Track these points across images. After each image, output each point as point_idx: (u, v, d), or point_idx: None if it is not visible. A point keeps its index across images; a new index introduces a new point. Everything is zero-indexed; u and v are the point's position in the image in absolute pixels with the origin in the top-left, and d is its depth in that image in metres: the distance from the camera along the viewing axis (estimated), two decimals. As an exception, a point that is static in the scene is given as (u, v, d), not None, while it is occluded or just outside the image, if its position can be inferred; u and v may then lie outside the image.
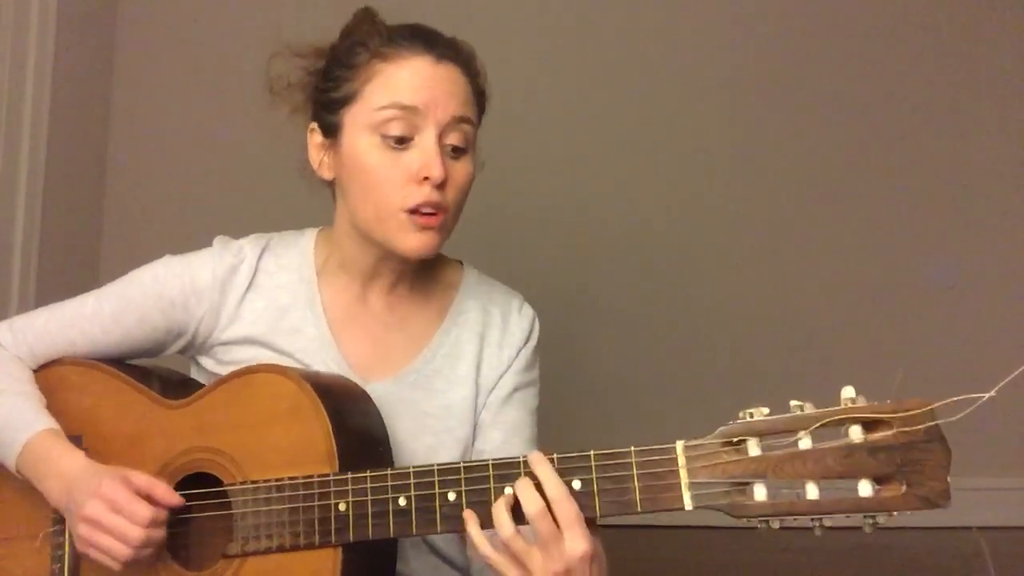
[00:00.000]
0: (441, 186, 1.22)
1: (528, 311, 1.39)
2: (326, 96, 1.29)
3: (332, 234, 1.36)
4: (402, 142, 1.22)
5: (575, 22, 2.94)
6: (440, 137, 1.23)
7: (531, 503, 1.02)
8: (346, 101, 1.26)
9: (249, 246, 1.36)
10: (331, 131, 1.28)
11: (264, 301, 1.34)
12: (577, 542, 1.01)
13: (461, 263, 1.43)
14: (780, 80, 2.92)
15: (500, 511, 1.04)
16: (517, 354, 1.36)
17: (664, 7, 2.93)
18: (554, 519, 1.02)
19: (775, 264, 2.92)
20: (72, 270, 2.60)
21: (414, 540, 1.30)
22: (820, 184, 2.93)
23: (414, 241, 1.23)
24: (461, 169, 1.25)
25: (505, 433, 1.33)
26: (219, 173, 2.75)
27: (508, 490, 1.06)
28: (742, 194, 2.92)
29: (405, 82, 1.23)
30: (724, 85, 2.92)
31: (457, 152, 1.25)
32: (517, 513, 1.05)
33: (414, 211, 1.22)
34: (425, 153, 1.21)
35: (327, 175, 1.31)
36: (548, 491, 1.02)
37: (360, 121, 1.24)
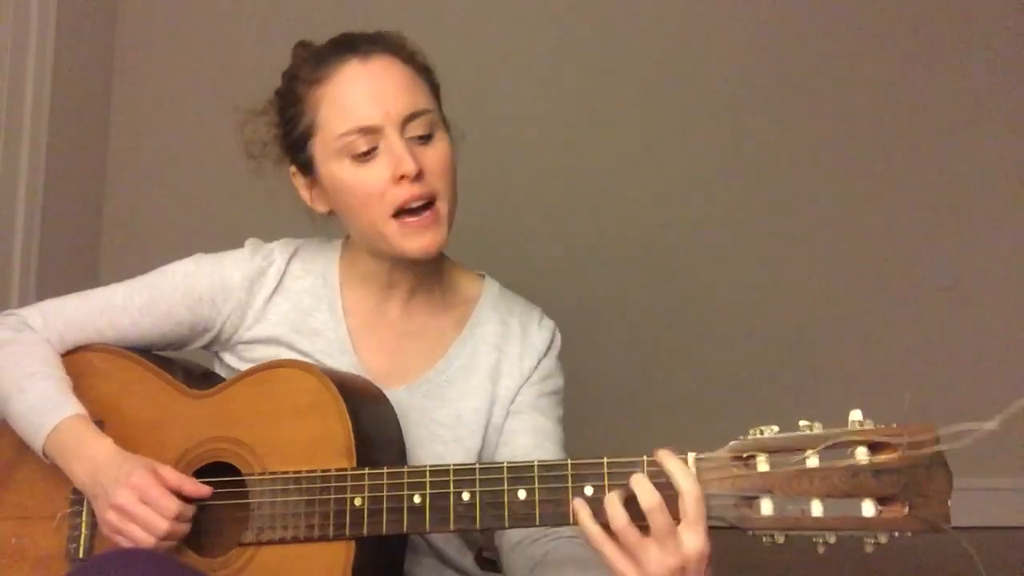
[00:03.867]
0: (420, 177, 1.24)
1: (548, 323, 1.41)
2: (289, 139, 1.33)
3: (351, 245, 1.40)
4: (368, 154, 1.25)
5: (576, 24, 2.99)
6: (402, 134, 1.25)
7: (649, 497, 1.02)
8: (307, 136, 1.30)
9: (279, 250, 1.40)
10: (307, 168, 1.33)
11: (289, 304, 1.38)
12: (699, 539, 1.01)
13: (484, 276, 1.45)
14: (784, 86, 2.97)
15: (614, 503, 1.03)
16: (538, 364, 1.38)
17: (666, 10, 2.98)
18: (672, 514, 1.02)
19: (781, 270, 2.98)
20: (72, 270, 2.62)
21: (418, 542, 1.33)
22: (834, 191, 2.98)
23: (416, 243, 1.25)
24: (434, 153, 1.27)
25: (535, 438, 1.34)
26: (219, 173, 2.72)
27: (588, 490, 1.07)
28: (749, 202, 2.98)
29: (349, 100, 1.26)
30: (732, 94, 2.97)
31: (424, 139, 1.26)
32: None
33: (403, 213, 1.24)
34: (392, 154, 1.24)
35: (322, 208, 1.35)
36: (682, 486, 1.01)
37: (326, 150, 1.28)
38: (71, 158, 2.64)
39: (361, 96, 1.25)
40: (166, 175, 2.87)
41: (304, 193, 1.36)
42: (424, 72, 1.32)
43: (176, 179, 2.85)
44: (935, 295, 2.93)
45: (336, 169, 1.27)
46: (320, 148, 1.29)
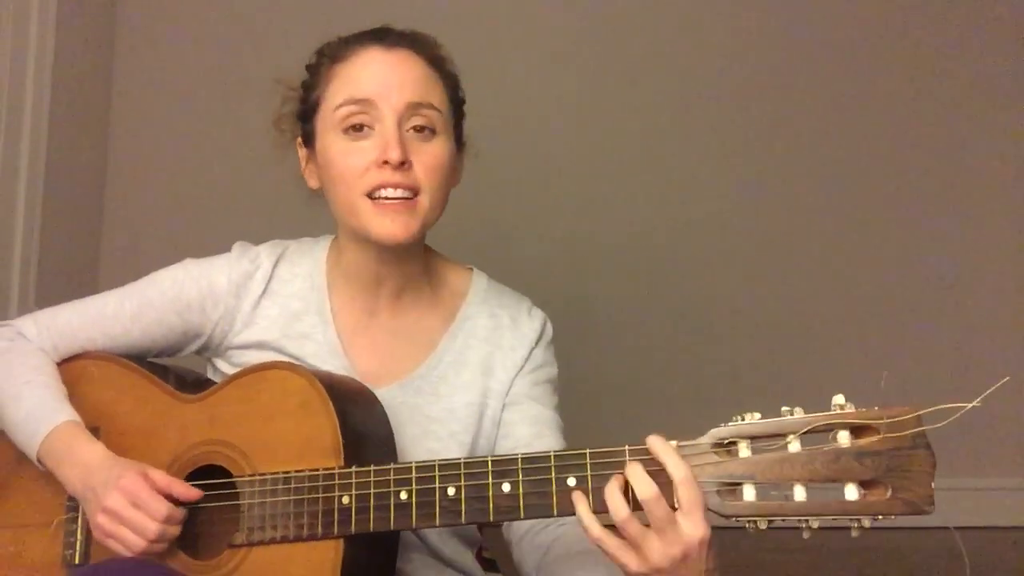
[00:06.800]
0: (406, 168, 1.24)
1: (538, 313, 1.42)
2: (301, 108, 1.36)
3: (338, 242, 1.41)
4: (360, 130, 1.26)
5: (575, 23, 3.00)
6: (399, 122, 1.26)
7: (646, 488, 1.01)
8: (315, 109, 1.33)
9: (265, 253, 1.41)
10: (309, 140, 1.35)
11: (278, 308, 1.39)
12: (698, 526, 1.00)
13: (472, 269, 1.45)
14: (781, 84, 2.98)
15: (614, 494, 1.02)
16: (529, 354, 1.38)
17: (665, 11, 2.99)
18: (669, 503, 1.01)
19: (772, 266, 2.98)
20: (72, 270, 2.62)
21: (413, 541, 1.33)
22: (820, 189, 2.98)
23: (384, 227, 1.25)
24: (430, 149, 1.27)
25: (534, 427, 1.35)
26: (219, 173, 2.78)
27: (571, 481, 1.06)
28: (741, 197, 2.98)
29: (356, 75, 1.29)
30: (728, 90, 2.98)
31: (423, 133, 1.27)
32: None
33: (376, 196, 1.25)
34: (383, 137, 1.25)
35: (314, 184, 1.36)
36: (674, 473, 1.01)
37: (325, 123, 1.30)
38: (71, 158, 2.64)
39: (368, 74, 1.28)
40: (166, 175, 2.88)
41: (303, 165, 1.38)
42: (445, 77, 1.33)
43: (176, 179, 2.86)
44: (931, 295, 2.94)
45: (329, 141, 1.29)
46: (320, 120, 1.31)
